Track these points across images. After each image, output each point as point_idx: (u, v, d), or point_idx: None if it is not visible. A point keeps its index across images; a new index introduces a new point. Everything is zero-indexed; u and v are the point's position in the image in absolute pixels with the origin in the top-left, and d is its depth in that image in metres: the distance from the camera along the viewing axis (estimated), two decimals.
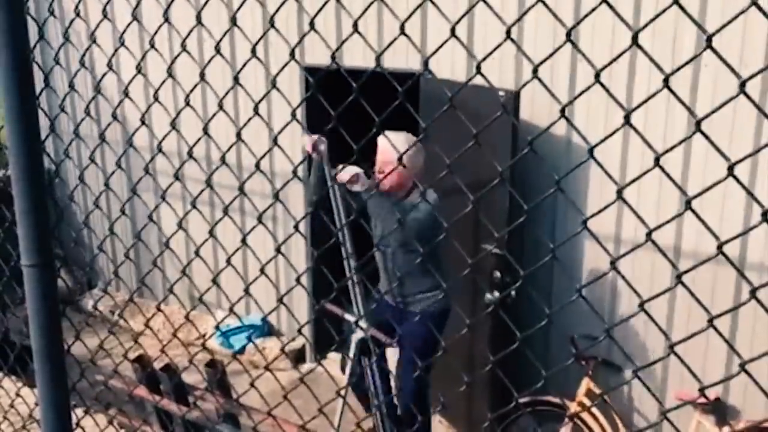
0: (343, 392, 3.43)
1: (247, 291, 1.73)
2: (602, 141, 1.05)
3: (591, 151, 0.98)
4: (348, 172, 3.44)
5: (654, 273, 3.83)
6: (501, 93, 3.70)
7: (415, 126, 4.25)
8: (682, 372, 3.95)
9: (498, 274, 3.92)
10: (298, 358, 5.40)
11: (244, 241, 1.64)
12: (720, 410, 3.81)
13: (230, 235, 5.66)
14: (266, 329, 5.55)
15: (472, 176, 3.85)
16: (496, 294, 3.94)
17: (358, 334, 3.37)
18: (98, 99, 5.89)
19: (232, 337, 5.39)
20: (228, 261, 1.69)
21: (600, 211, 1.07)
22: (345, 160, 3.37)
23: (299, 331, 1.61)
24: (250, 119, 1.54)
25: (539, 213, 4.21)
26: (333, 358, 5.32)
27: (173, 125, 1.67)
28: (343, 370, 3.78)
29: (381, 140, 3.56)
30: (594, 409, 3.87)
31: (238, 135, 1.54)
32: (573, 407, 3.82)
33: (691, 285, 1.05)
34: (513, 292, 3.94)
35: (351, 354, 3.42)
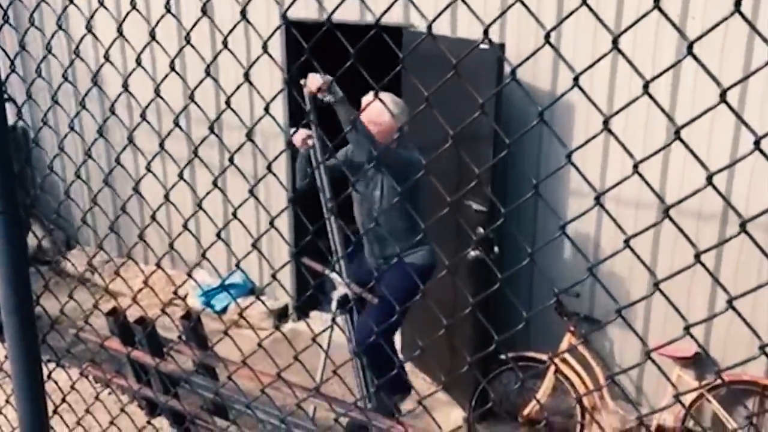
0: (324, 346, 3.41)
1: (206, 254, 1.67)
2: (588, 68, 0.99)
3: (576, 79, 0.93)
4: (316, 80, 3.20)
5: (638, 213, 3.83)
6: (484, 45, 3.62)
7: (398, 82, 4.18)
8: (664, 326, 3.98)
9: (481, 230, 3.89)
10: (280, 317, 5.39)
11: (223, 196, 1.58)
12: (700, 364, 3.85)
13: (212, 193, 5.59)
14: (248, 289, 5.51)
15: (456, 132, 3.82)
16: (479, 251, 3.92)
17: (339, 291, 3.35)
18: (76, 64, 5.74)
19: (214, 297, 5.35)
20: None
21: (584, 144, 1.02)
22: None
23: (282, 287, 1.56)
24: (238, 87, 1.47)
25: (523, 167, 4.18)
26: (315, 316, 5.31)
27: (157, 92, 1.60)
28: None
29: (365, 99, 3.49)
30: (575, 365, 3.90)
31: (227, 103, 1.47)
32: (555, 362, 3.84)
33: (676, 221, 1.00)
34: (496, 249, 3.91)
35: (332, 310, 3.39)
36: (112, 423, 1.80)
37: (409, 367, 4.67)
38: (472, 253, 3.92)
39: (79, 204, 6.53)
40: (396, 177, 3.29)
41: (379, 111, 3.36)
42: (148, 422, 1.65)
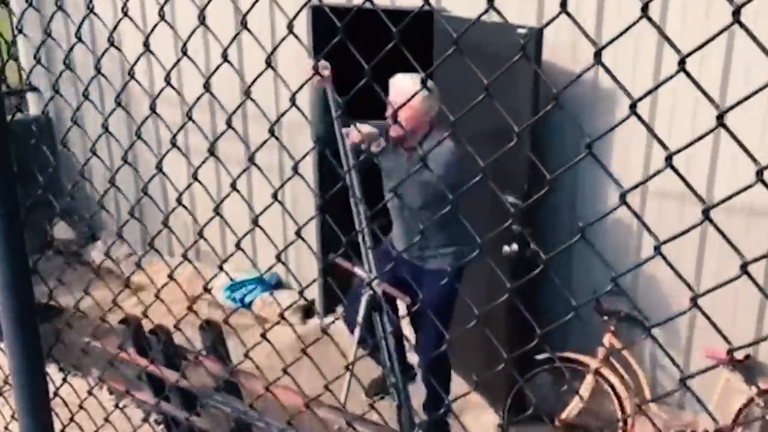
0: (352, 355, 3.28)
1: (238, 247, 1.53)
2: (611, 40, 0.83)
3: (598, 54, 0.76)
4: (360, 131, 3.20)
5: (684, 208, 3.62)
6: (521, 30, 3.43)
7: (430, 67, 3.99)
8: (711, 328, 3.76)
9: (517, 225, 3.70)
10: (307, 312, 5.25)
11: (232, 186, 1.43)
12: (750, 368, 3.63)
13: (238, 187, 5.47)
14: (274, 282, 5.38)
15: (491, 122, 3.62)
16: (515, 246, 3.73)
17: (368, 290, 3.18)
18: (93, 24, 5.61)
19: (239, 290, 5.23)
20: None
21: (607, 132, 0.85)
22: (356, 110, 3.14)
23: (301, 294, 1.42)
24: (260, 74, 1.32)
25: (563, 156, 3.97)
26: (342, 312, 5.16)
27: (167, 80, 1.46)
28: (346, 323, 3.63)
29: (393, 82, 3.32)
30: (616, 366, 3.70)
31: (247, 93, 1.32)
32: (594, 363, 3.65)
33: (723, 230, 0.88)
34: (532, 245, 3.73)
35: (361, 310, 3.24)
36: None
37: None
38: (507, 249, 3.74)
39: (105, 197, 6.45)
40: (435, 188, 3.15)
41: (407, 94, 3.19)
42: None
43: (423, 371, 3.43)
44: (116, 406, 1.59)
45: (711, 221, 0.81)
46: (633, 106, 0.83)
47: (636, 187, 0.93)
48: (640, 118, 0.89)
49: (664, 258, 0.90)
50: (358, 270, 3.19)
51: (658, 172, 0.88)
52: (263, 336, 1.50)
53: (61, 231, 6.36)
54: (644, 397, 3.68)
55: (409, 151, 3.44)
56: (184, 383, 1.65)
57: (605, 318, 3.70)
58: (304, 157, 1.28)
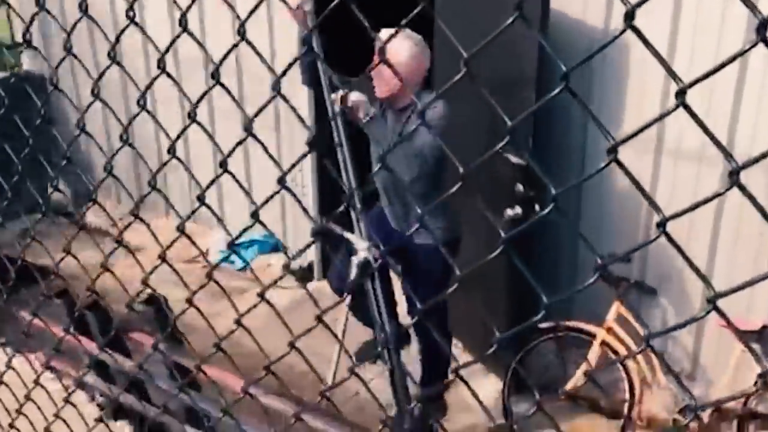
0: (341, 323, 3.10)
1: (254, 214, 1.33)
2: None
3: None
4: (349, 99, 2.98)
5: (701, 169, 3.38)
6: None
7: (429, 24, 3.73)
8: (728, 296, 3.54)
9: (520, 187, 3.47)
10: (304, 276, 5.08)
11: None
12: (766, 339, 3.41)
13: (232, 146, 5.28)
14: (270, 245, 5.21)
15: (494, 75, 3.38)
16: (518, 209, 3.51)
17: (359, 255, 2.98)
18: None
19: (234, 253, 5.06)
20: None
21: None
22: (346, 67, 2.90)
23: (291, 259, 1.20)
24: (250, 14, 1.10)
25: (568, 116, 3.72)
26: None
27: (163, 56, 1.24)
28: (333, 288, 3.46)
29: (380, 38, 3.06)
30: (624, 335, 3.50)
31: (241, 33, 1.10)
32: (601, 333, 3.45)
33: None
34: (536, 207, 3.51)
35: (352, 276, 3.05)
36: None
37: None
38: (510, 212, 3.52)
39: (100, 158, 6.28)
40: (422, 144, 2.93)
41: (395, 51, 2.94)
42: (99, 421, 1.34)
43: (420, 348, 3.26)
44: (68, 397, 1.41)
45: (741, 187, 0.60)
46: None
47: (629, 139, 0.71)
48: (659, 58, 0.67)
49: (669, 238, 0.69)
50: (348, 235, 2.99)
51: (670, 111, 0.66)
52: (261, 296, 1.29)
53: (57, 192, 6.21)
54: (653, 368, 3.49)
55: (399, 114, 3.20)
56: (123, 365, 1.48)
57: (613, 285, 3.49)
58: (298, 161, 1.06)
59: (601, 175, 3.74)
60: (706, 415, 3.30)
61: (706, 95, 3.23)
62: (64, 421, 1.40)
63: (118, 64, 1.26)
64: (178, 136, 1.24)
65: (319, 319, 0.94)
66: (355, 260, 3.06)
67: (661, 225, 0.65)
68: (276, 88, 0.96)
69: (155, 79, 1.22)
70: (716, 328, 3.52)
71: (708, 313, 0.66)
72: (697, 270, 0.66)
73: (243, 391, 1.08)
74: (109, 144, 6.08)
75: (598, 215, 3.78)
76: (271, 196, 1.06)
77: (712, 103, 3.26)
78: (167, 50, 1.13)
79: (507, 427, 3.58)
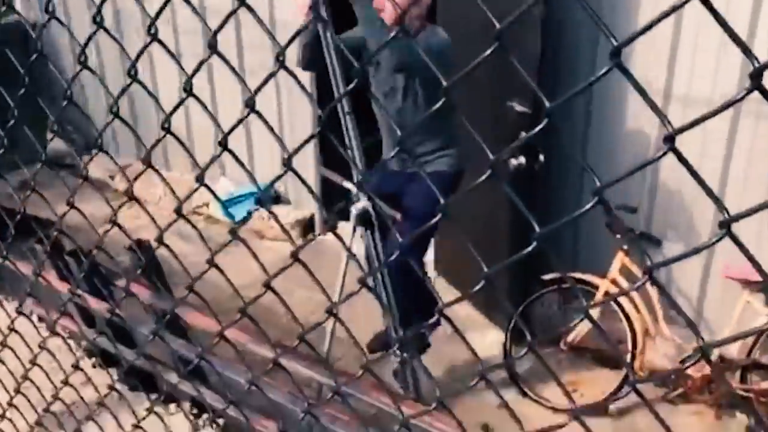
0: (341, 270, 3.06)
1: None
2: None
3: None
4: None
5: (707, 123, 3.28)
6: None
7: None
8: (732, 243, 3.47)
9: (524, 135, 3.39)
10: (305, 228, 5.04)
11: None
12: None
13: (231, 97, 5.19)
14: (271, 197, 5.15)
15: (495, 13, 3.26)
16: (522, 159, 3.44)
17: (358, 204, 2.93)
18: None
19: (235, 205, 5.01)
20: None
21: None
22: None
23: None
24: None
25: (575, 59, 3.61)
26: (343, 227, 4.94)
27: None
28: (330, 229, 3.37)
29: None
30: (628, 287, 3.46)
31: None
32: (605, 285, 3.41)
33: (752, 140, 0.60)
34: (541, 157, 3.43)
35: (351, 226, 3.00)
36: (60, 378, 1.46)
37: (442, 284, 4.31)
38: (514, 162, 3.45)
39: (97, 107, 6.19)
40: (421, 70, 2.81)
41: None
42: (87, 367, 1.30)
43: (393, 276, 3.08)
44: (44, 343, 1.37)
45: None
46: None
47: (597, 80, 0.64)
48: None
49: (679, 155, 0.62)
50: (347, 184, 2.93)
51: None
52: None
53: (55, 142, 6.14)
54: (656, 318, 3.46)
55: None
56: (107, 311, 1.43)
57: (618, 236, 3.43)
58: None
59: (610, 122, 3.65)
60: (707, 367, 3.28)
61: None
62: (41, 368, 1.37)
63: (114, 38, 1.19)
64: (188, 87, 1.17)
65: (294, 256, 0.89)
66: (354, 210, 3.01)
67: (669, 139, 0.58)
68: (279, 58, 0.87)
69: (145, 47, 1.13)
70: (721, 280, 3.47)
71: (721, 239, 0.59)
72: (710, 191, 0.59)
73: (218, 335, 1.04)
74: (107, 97, 5.98)
75: (601, 160, 3.68)
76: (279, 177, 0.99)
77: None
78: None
79: (505, 365, 3.55)
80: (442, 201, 0.81)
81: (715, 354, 3.40)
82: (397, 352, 3.05)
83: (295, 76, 0.92)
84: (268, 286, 0.93)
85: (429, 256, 4.23)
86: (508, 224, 3.56)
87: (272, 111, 4.93)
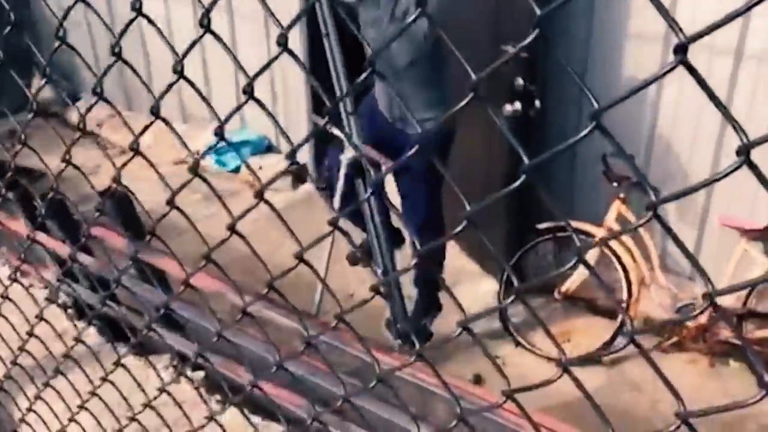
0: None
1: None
2: None
3: None
4: None
5: (712, 59, 3.18)
6: None
7: None
8: (730, 194, 3.42)
9: (520, 81, 3.29)
10: (296, 178, 4.96)
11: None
12: None
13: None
14: (263, 145, 5.06)
15: None
16: (518, 105, 3.34)
17: (348, 153, 2.85)
18: None
19: (226, 154, 4.92)
20: None
21: None
22: None
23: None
24: None
25: (572, 5, 3.49)
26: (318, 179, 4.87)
27: None
28: (318, 188, 3.31)
29: None
30: (624, 236, 3.41)
31: None
32: (601, 233, 3.36)
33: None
34: (537, 103, 3.34)
35: (341, 175, 2.93)
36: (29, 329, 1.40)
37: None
38: (509, 108, 3.36)
39: (83, 52, 6.03)
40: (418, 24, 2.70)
41: None
42: (75, 333, 1.24)
43: (412, 243, 3.12)
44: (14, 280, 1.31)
45: None
46: None
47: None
48: None
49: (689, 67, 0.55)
50: (336, 131, 2.84)
51: None
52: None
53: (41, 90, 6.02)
54: (652, 267, 3.42)
55: None
56: (85, 260, 1.37)
57: (615, 184, 3.37)
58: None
59: (608, 70, 3.55)
60: (704, 316, 3.25)
61: None
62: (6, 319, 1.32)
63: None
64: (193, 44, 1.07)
65: (260, 195, 0.82)
66: (344, 159, 2.94)
67: (680, 50, 0.50)
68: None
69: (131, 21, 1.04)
70: (718, 229, 3.42)
71: (738, 167, 0.51)
72: (721, 105, 0.52)
73: (184, 283, 0.98)
74: (94, 51, 5.83)
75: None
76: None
77: None
78: None
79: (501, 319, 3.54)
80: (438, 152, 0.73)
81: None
82: (379, 271, 2.99)
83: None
84: (232, 229, 0.86)
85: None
86: (505, 176, 3.48)
87: (263, 58, 4.81)
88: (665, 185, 3.57)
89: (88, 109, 1.18)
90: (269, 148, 5.11)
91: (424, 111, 2.92)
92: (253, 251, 0.92)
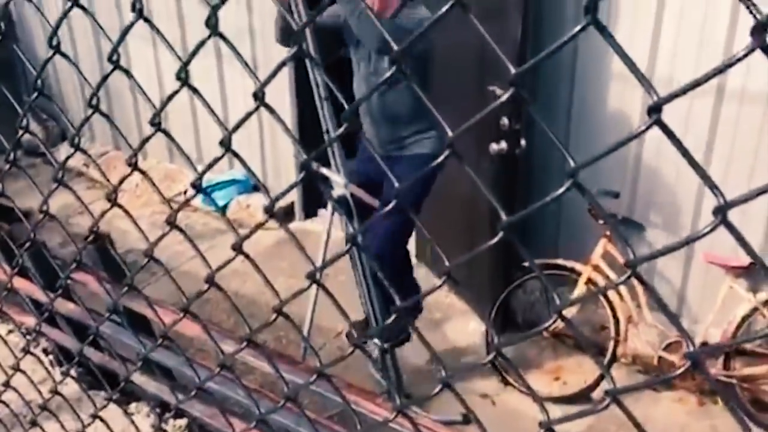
0: (319, 258, 2.98)
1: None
2: None
3: None
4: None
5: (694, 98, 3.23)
6: None
7: None
8: (715, 233, 3.44)
9: (506, 120, 3.34)
10: (285, 216, 4.96)
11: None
12: (755, 276, 3.35)
13: (209, 83, 5.10)
14: (251, 185, 5.07)
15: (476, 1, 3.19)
16: (503, 144, 3.38)
17: (336, 191, 2.86)
18: None
19: (214, 193, 4.92)
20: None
21: None
22: None
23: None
24: None
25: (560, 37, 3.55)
26: (322, 215, 4.87)
27: None
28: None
29: None
30: (610, 273, 3.43)
31: None
32: (587, 271, 3.37)
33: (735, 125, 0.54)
34: (522, 142, 3.38)
35: (329, 214, 2.93)
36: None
37: (422, 273, 4.25)
38: (495, 147, 3.39)
39: (70, 95, 6.06)
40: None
41: None
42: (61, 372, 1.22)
43: (372, 262, 3.04)
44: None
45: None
46: None
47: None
48: None
49: (664, 127, 0.56)
50: (324, 170, 2.86)
51: None
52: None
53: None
54: (639, 305, 3.43)
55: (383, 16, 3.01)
56: (64, 307, 1.36)
57: (600, 222, 3.39)
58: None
59: (593, 106, 3.60)
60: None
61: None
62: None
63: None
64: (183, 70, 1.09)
65: (239, 249, 0.82)
66: (332, 197, 2.94)
67: (655, 110, 0.52)
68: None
69: (130, 27, 1.06)
70: (703, 265, 3.45)
71: (715, 228, 0.53)
72: (697, 166, 0.53)
73: (161, 336, 0.97)
74: (83, 92, 5.87)
75: (584, 144, 3.63)
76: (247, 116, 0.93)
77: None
78: None
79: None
80: (424, 181, 0.74)
81: (698, 340, 3.38)
82: (377, 341, 2.99)
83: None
84: (211, 281, 0.86)
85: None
86: (489, 212, 3.50)
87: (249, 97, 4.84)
88: (651, 220, 3.61)
89: (66, 160, 1.19)
90: (256, 188, 5.12)
91: (418, 134, 2.98)
92: (233, 303, 0.91)
